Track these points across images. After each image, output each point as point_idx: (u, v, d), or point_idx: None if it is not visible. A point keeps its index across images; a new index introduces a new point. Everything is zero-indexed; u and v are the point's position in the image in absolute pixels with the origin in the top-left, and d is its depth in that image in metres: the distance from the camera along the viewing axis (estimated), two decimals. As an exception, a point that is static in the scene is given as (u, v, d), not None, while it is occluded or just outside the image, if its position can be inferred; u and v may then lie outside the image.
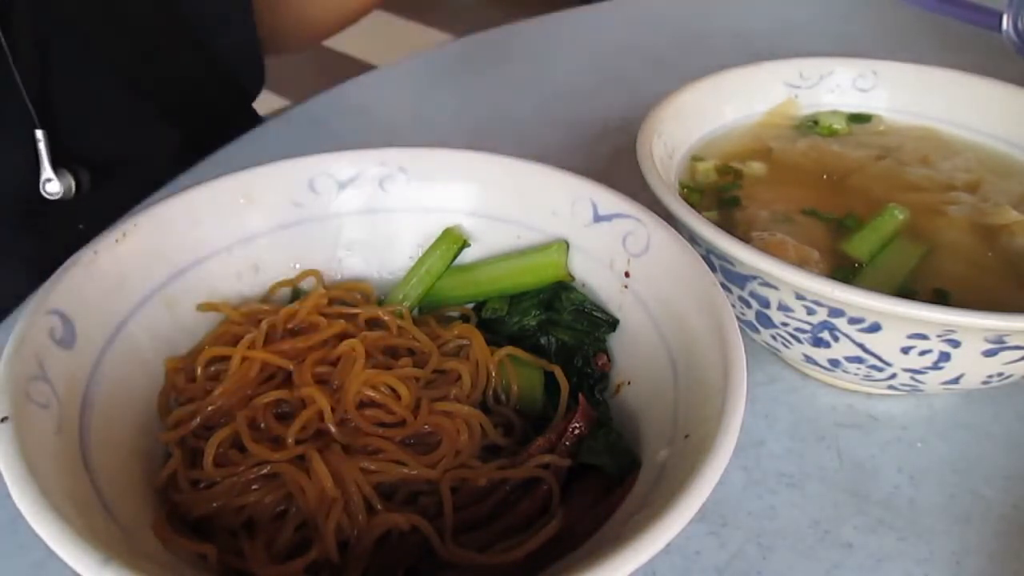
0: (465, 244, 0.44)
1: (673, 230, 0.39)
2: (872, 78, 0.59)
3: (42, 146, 0.57)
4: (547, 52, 0.89)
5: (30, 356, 0.32)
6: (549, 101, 0.79)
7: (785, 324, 0.42)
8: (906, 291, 0.44)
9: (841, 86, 0.59)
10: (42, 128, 0.57)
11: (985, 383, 0.42)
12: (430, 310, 0.45)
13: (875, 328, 0.39)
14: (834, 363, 0.43)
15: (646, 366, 0.38)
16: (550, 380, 0.41)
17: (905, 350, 0.40)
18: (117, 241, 0.37)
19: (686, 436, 0.32)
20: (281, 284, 0.43)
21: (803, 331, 0.42)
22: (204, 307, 0.41)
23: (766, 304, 0.42)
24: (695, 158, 0.54)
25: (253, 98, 0.80)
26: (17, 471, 0.27)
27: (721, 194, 0.52)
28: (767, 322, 0.43)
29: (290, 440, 0.35)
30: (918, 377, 0.41)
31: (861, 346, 0.41)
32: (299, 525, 0.33)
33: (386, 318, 0.41)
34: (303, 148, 0.44)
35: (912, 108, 0.59)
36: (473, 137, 0.73)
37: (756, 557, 0.39)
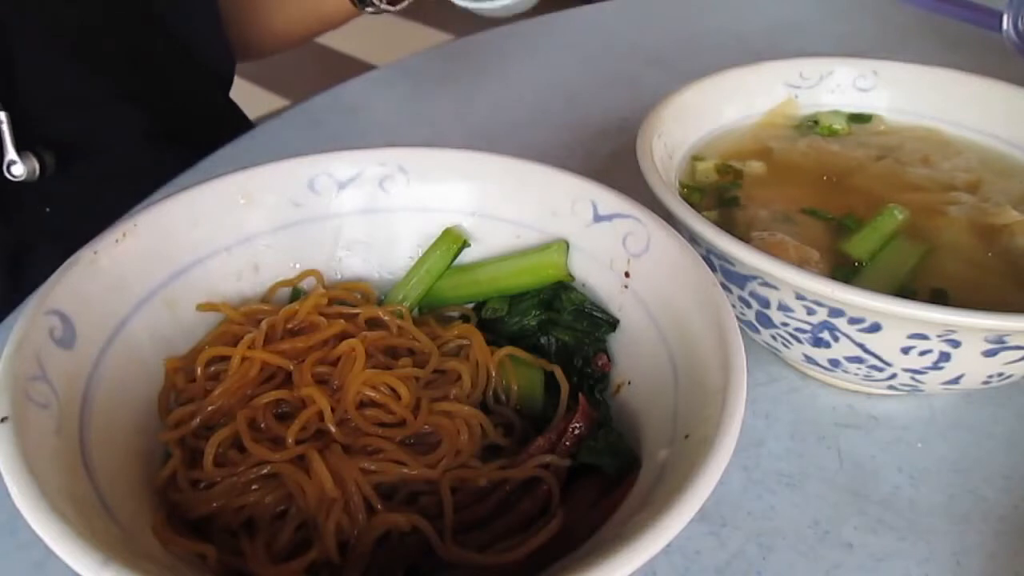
0: (465, 244, 0.44)
1: (673, 230, 0.39)
2: (872, 78, 0.59)
3: (4, 127, 0.56)
4: (547, 52, 0.89)
5: (30, 356, 0.32)
6: (549, 101, 0.79)
7: (785, 324, 0.42)
8: (906, 291, 0.44)
9: (841, 86, 0.59)
10: (4, 110, 0.56)
11: (985, 383, 0.42)
12: (430, 310, 0.45)
13: (875, 328, 0.39)
14: (834, 363, 0.43)
15: (646, 366, 0.38)
16: (550, 380, 0.41)
17: (905, 350, 0.40)
18: (117, 241, 0.37)
19: (686, 436, 0.32)
20: (281, 284, 0.43)
21: (803, 331, 0.42)
22: (204, 307, 0.41)
23: (766, 304, 0.42)
24: (695, 158, 0.54)
25: (228, 84, 0.79)
26: (17, 471, 0.27)
27: (721, 194, 0.52)
28: (767, 322, 0.43)
29: (290, 440, 0.35)
30: (918, 377, 0.41)
31: (861, 346, 0.41)
32: (299, 525, 0.33)
33: (386, 318, 0.41)
34: (303, 148, 0.44)
35: (912, 108, 0.58)
36: (473, 137, 0.73)
37: (756, 557, 0.39)
